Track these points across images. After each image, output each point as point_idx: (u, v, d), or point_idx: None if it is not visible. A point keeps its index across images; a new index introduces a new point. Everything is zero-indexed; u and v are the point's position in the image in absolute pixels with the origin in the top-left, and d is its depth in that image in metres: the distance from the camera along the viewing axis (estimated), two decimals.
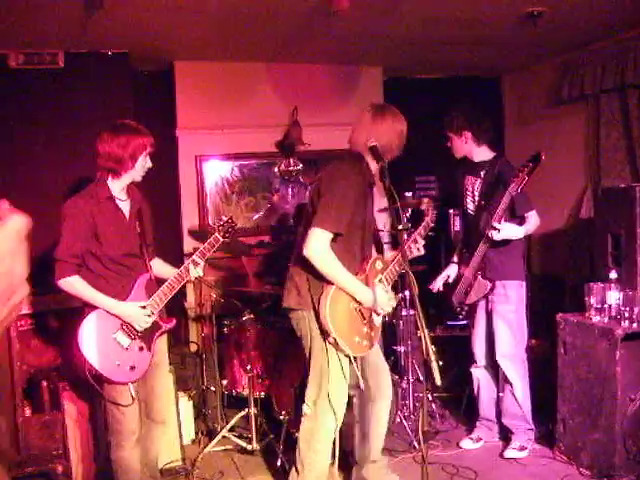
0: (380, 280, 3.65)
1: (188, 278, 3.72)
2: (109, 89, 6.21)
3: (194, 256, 3.76)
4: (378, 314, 3.62)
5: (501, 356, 4.61)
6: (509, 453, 4.62)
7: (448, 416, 5.37)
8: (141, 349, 3.51)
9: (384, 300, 3.57)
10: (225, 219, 3.91)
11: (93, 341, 3.38)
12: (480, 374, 4.87)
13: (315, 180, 3.76)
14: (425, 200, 4.03)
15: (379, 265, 3.69)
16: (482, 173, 4.64)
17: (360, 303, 3.54)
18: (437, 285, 4.80)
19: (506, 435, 4.78)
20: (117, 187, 3.58)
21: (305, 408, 3.66)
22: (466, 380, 5.15)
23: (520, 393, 4.63)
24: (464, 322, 4.96)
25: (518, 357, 4.63)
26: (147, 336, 3.54)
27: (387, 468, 4.12)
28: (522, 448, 4.63)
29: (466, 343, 5.08)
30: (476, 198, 4.66)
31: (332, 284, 3.45)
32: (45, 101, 6.07)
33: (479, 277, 4.53)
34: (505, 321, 4.57)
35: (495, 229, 4.27)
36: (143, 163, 3.58)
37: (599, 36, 6.11)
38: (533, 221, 4.50)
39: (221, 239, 3.83)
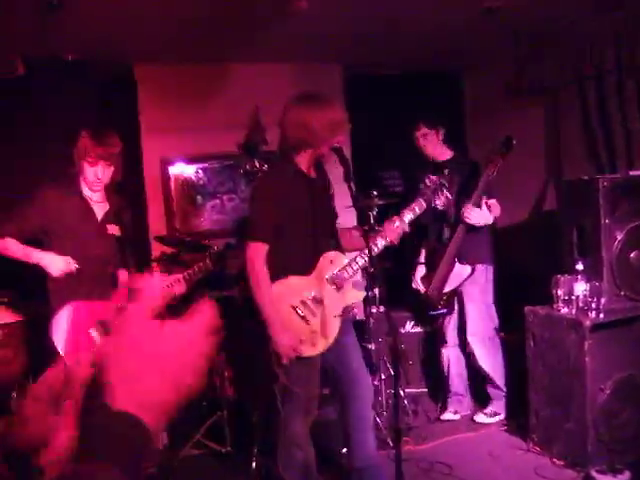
0: (330, 278, 3.61)
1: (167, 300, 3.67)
2: (71, 95, 6.11)
3: (176, 278, 3.72)
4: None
5: (470, 335, 4.97)
6: (479, 417, 5.04)
7: (420, 412, 5.39)
8: None
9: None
10: (221, 249, 3.86)
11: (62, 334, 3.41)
12: (450, 353, 5.18)
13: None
14: (432, 179, 3.92)
15: (333, 262, 3.65)
16: (446, 171, 4.72)
17: (301, 302, 3.55)
18: (419, 284, 5.04)
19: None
20: (85, 188, 3.64)
21: None
22: (437, 375, 5.40)
23: (489, 367, 5.01)
24: (444, 310, 5.10)
25: (485, 334, 4.99)
26: None
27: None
28: (494, 414, 5.01)
29: (435, 339, 5.44)
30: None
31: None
32: (6, 108, 5.97)
33: (457, 263, 4.81)
34: (473, 302, 4.95)
35: (470, 212, 4.58)
36: (90, 170, 3.59)
37: (557, 29, 6.15)
38: (496, 209, 4.82)
39: (211, 267, 3.79)
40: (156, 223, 6.73)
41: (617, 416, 4.13)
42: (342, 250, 3.76)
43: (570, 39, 6.17)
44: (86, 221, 3.66)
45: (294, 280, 3.55)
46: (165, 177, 6.77)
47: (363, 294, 3.66)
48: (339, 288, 3.59)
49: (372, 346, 5.30)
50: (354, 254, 3.70)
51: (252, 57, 6.66)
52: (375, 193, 5.04)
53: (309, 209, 3.60)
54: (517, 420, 4.84)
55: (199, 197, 6.92)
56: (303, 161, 3.60)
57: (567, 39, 6.21)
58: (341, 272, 3.60)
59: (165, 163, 6.76)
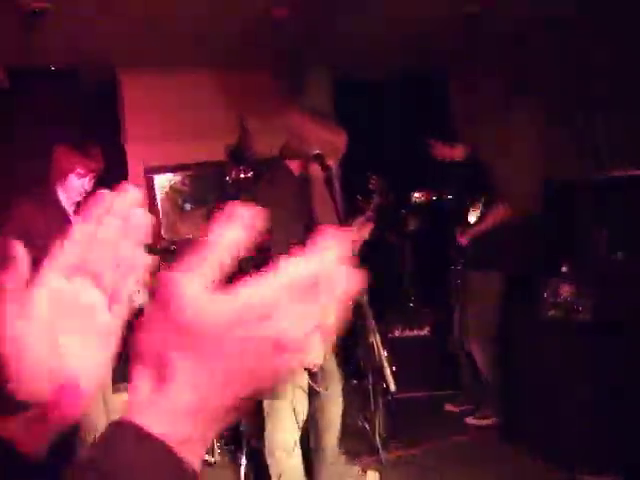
0: None
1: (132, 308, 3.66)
2: (53, 104, 6.10)
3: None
4: None
5: (470, 337, 5.20)
6: (470, 420, 5.19)
7: (411, 416, 5.36)
8: None
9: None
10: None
11: None
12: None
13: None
14: (373, 179, 4.11)
15: None
16: (455, 173, 5.45)
17: None
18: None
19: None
20: (64, 199, 3.68)
21: None
22: (428, 379, 5.63)
23: (484, 368, 5.17)
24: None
25: (484, 338, 5.12)
26: None
27: (343, 464, 4.15)
28: (484, 417, 5.13)
29: (423, 343, 5.78)
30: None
31: None
32: None
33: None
34: (471, 305, 5.17)
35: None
36: (78, 182, 3.66)
37: (541, 32, 6.15)
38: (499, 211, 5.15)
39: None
40: None
41: (604, 418, 4.12)
42: None
43: (554, 40, 6.18)
44: (65, 232, 3.70)
45: None
46: (150, 185, 6.74)
47: None
48: None
49: (360, 351, 5.27)
50: None
51: (238, 65, 6.65)
52: (360, 198, 5.05)
53: (306, 211, 3.73)
54: (507, 423, 4.82)
55: (186, 205, 6.89)
56: (295, 167, 3.71)
57: (551, 41, 6.21)
58: None
59: (150, 171, 6.73)
